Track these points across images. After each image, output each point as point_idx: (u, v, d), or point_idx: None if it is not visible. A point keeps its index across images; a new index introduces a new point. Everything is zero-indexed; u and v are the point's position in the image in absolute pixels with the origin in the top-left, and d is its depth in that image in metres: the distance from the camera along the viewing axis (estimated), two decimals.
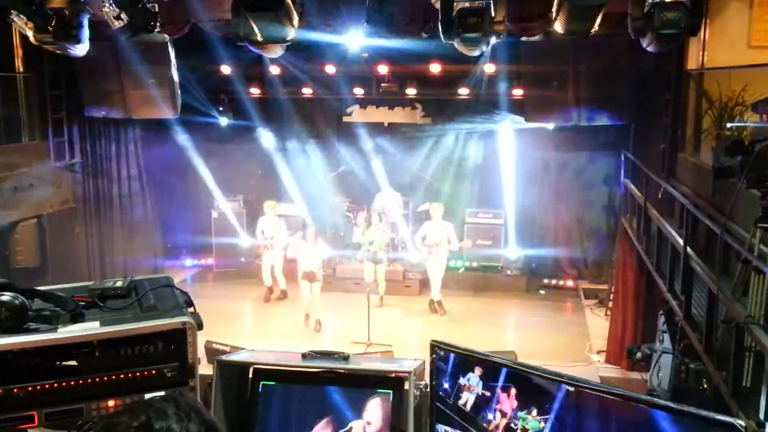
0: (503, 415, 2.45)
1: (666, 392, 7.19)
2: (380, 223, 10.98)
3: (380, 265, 10.79)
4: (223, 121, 13.03)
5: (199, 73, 11.75)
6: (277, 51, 8.38)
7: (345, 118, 13.37)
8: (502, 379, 2.46)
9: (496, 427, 2.47)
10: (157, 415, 1.33)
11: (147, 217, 12.42)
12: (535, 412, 2.36)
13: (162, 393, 2.18)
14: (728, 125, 7.06)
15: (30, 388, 2.08)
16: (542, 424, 2.34)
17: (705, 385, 6.32)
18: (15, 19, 6.40)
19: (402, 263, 12.13)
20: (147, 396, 2.17)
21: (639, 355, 8.63)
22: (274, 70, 12.17)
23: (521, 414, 2.39)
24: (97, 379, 2.16)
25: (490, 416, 2.49)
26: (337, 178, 12.92)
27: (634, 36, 6.50)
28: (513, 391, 2.43)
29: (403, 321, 10.46)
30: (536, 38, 8.53)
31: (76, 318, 2.23)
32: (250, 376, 2.83)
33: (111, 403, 2.17)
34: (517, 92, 11.41)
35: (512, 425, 2.42)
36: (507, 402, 2.44)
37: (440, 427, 2.65)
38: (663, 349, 7.57)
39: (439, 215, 10.74)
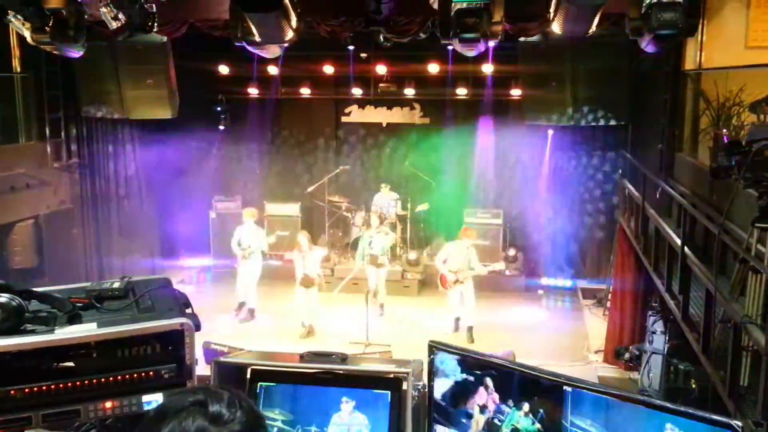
0: (497, 413, 2.45)
1: (657, 392, 7.23)
2: (380, 225, 10.83)
3: (381, 268, 10.54)
4: (221, 121, 13.03)
5: (197, 73, 11.76)
6: (275, 51, 8.39)
7: (343, 118, 13.39)
8: (499, 379, 2.46)
9: (491, 426, 2.47)
10: (213, 397, 1.41)
11: (144, 217, 12.40)
12: (528, 410, 2.36)
13: (159, 394, 2.19)
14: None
15: (27, 390, 2.07)
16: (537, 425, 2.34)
17: (693, 385, 6.36)
18: (12, 19, 6.39)
19: (400, 263, 12.13)
20: (144, 398, 2.17)
21: (627, 355, 8.70)
22: (272, 70, 12.19)
23: (516, 413, 2.39)
24: (95, 381, 2.15)
25: (484, 416, 2.49)
26: (335, 179, 12.92)
27: (631, 36, 6.52)
28: (508, 390, 2.43)
29: (402, 321, 10.45)
30: (534, 39, 8.54)
31: (74, 319, 2.23)
32: (248, 377, 2.83)
33: (108, 404, 2.16)
34: (516, 92, 11.45)
35: (505, 416, 2.42)
36: (502, 401, 2.44)
37: (438, 428, 2.65)
38: (653, 349, 7.61)
39: (468, 239, 9.77)
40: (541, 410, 2.34)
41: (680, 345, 7.17)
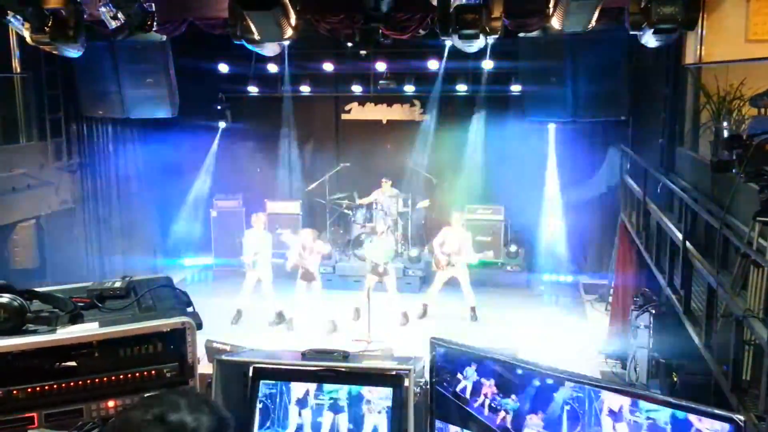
0: (503, 411, 2.45)
1: (645, 386, 7.29)
2: (383, 233, 10.50)
3: (387, 276, 10.27)
4: (221, 119, 13.03)
5: (197, 71, 11.75)
6: (274, 49, 8.39)
7: (343, 116, 13.38)
8: (501, 375, 2.46)
9: (496, 423, 2.47)
10: (170, 407, 1.36)
11: (146, 216, 12.41)
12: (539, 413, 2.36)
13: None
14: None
15: (30, 390, 2.08)
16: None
17: (675, 379, 6.42)
18: (12, 19, 6.39)
19: (401, 260, 12.12)
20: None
21: (610, 350, 8.76)
22: (272, 68, 12.18)
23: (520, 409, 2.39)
24: (97, 380, 2.16)
25: (489, 413, 2.49)
26: (336, 176, 12.91)
27: (631, 31, 6.50)
28: (511, 387, 2.43)
29: (404, 318, 10.45)
30: (534, 34, 8.53)
31: (75, 319, 2.23)
32: (250, 375, 2.83)
33: (111, 403, 2.17)
34: (515, 88, 11.44)
35: (513, 422, 2.42)
36: (504, 397, 2.44)
37: (440, 424, 2.65)
38: (638, 344, 7.66)
39: (459, 223, 10.42)
40: (539, 405, 2.34)
41: (664, 339, 7.26)
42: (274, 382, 2.78)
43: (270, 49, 8.32)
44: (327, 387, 2.74)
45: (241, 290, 10.47)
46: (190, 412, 1.35)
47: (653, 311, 7.53)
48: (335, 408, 2.72)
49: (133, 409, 1.41)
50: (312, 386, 2.75)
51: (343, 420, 2.70)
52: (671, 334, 6.98)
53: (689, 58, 7.74)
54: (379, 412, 2.68)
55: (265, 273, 10.43)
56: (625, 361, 8.37)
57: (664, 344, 7.24)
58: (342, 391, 2.72)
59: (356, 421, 2.69)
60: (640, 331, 7.65)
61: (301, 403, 2.76)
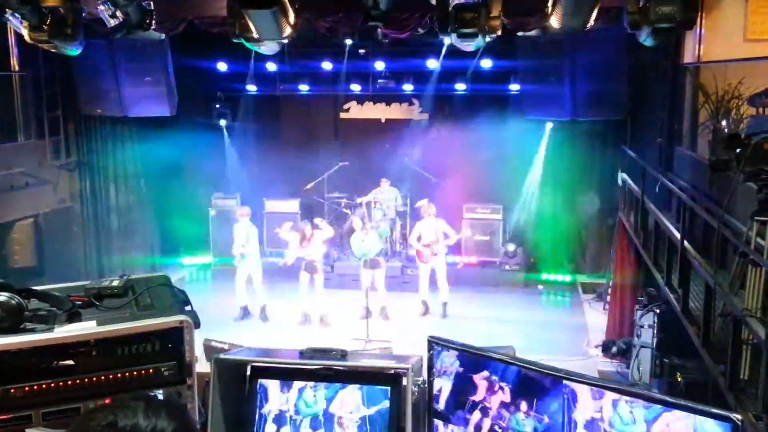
0: (499, 410, 2.45)
1: (647, 386, 7.30)
2: (371, 226, 10.59)
3: (378, 270, 10.36)
4: (220, 118, 13.02)
5: (195, 70, 11.74)
6: (273, 48, 8.39)
7: (342, 115, 13.37)
8: (499, 374, 2.46)
9: (491, 422, 2.47)
10: (124, 413, 1.34)
11: (144, 215, 12.40)
12: (532, 410, 2.35)
13: (160, 392, 2.20)
14: None
15: (27, 389, 2.07)
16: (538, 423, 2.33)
17: (679, 379, 6.43)
18: (10, 17, 6.38)
19: (400, 259, 12.12)
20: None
21: (614, 349, 8.75)
22: (271, 66, 12.18)
23: (516, 414, 2.39)
24: (95, 379, 2.15)
25: (485, 412, 2.48)
26: (334, 175, 12.91)
27: (630, 30, 6.51)
28: (510, 386, 2.42)
29: (402, 317, 10.45)
30: (532, 33, 8.53)
31: (73, 317, 2.23)
32: (248, 373, 2.83)
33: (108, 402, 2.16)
34: (514, 87, 11.44)
35: (506, 421, 2.41)
36: (503, 397, 2.44)
37: (438, 423, 2.65)
38: (641, 343, 7.67)
39: (430, 214, 10.55)
40: (542, 406, 2.33)
41: (668, 338, 7.26)
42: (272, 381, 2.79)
43: (269, 48, 8.31)
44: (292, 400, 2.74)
45: (235, 286, 10.47)
46: (145, 417, 1.33)
47: (658, 310, 7.52)
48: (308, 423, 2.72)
49: (93, 412, 1.38)
50: (289, 397, 2.76)
51: None
52: (673, 333, 6.97)
53: (688, 57, 7.75)
54: (351, 425, 2.68)
55: (255, 267, 10.46)
56: (627, 360, 8.38)
57: (668, 343, 7.23)
58: (308, 405, 2.72)
59: None
60: (644, 331, 7.65)
61: (278, 420, 2.75)
